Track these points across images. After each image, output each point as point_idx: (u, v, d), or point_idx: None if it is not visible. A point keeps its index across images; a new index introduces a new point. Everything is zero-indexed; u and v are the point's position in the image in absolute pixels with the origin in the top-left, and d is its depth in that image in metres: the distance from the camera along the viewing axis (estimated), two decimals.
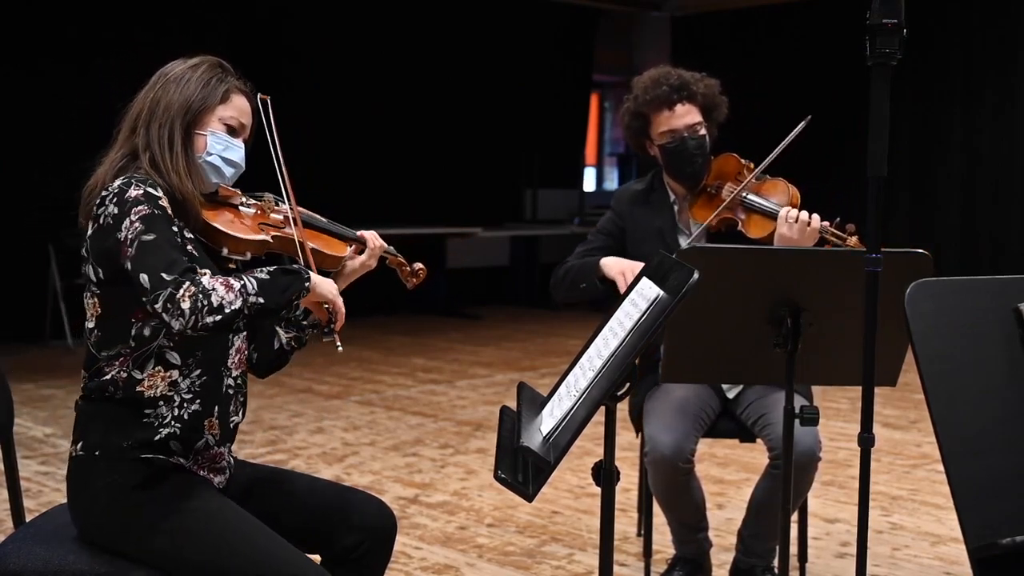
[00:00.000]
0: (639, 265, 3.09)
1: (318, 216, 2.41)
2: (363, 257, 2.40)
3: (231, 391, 2.20)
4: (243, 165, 2.24)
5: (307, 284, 2.08)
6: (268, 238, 2.21)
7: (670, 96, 3.16)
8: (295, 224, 2.25)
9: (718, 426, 3.24)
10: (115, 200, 2.03)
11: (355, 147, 9.31)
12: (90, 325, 2.12)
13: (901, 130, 9.42)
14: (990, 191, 9.44)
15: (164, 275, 1.95)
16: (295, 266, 2.10)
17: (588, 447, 4.82)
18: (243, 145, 2.24)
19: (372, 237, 2.43)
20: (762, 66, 10.16)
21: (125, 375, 2.08)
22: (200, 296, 1.93)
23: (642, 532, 3.62)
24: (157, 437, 2.08)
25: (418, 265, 2.53)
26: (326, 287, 2.15)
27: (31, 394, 6.12)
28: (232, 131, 2.21)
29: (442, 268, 9.96)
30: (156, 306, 1.94)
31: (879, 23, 2.04)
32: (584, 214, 11.40)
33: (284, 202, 2.30)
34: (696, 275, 1.80)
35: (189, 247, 2.09)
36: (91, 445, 2.08)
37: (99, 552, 2.06)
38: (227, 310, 1.95)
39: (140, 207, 2.02)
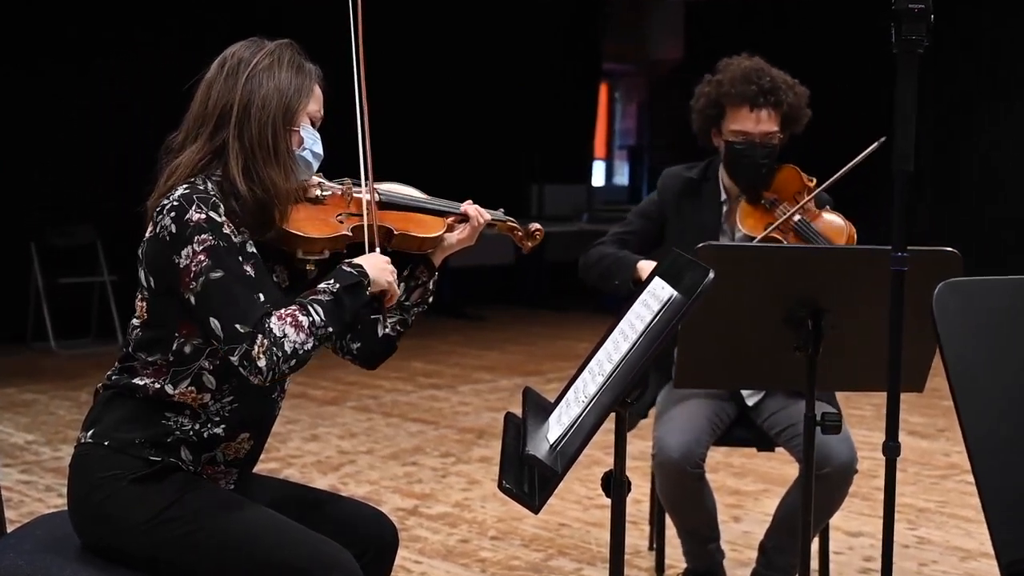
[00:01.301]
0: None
1: (410, 191, 2.38)
2: (459, 234, 2.38)
3: (277, 411, 2.25)
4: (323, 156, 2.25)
5: (368, 289, 2.11)
6: (347, 231, 2.20)
7: (757, 97, 3.12)
8: (371, 209, 2.23)
9: (734, 434, 3.24)
10: (174, 215, 2.02)
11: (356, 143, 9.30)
12: (135, 322, 2.14)
13: (925, 121, 9.40)
14: (1018, 186, 9.42)
15: (239, 327, 1.97)
16: (349, 268, 2.10)
17: (597, 456, 4.81)
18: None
19: (475, 212, 2.39)
20: (782, 54, 10.14)
21: (157, 386, 2.09)
22: (274, 349, 1.97)
23: (654, 546, 3.61)
24: (170, 438, 2.09)
25: (534, 226, 2.49)
26: (383, 278, 2.15)
27: (12, 399, 6.12)
28: (313, 124, 2.21)
29: (444, 267, 9.96)
30: (232, 359, 1.98)
31: (905, 8, 2.04)
32: (593, 210, 11.40)
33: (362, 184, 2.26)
34: (711, 275, 1.80)
35: (248, 269, 2.05)
36: (101, 433, 2.10)
37: (87, 562, 2.06)
38: (300, 352, 2.00)
39: (204, 236, 2.00)
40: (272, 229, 2.12)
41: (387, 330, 2.35)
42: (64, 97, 7.72)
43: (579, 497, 4.46)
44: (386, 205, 2.30)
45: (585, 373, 1.97)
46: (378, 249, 2.21)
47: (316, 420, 5.82)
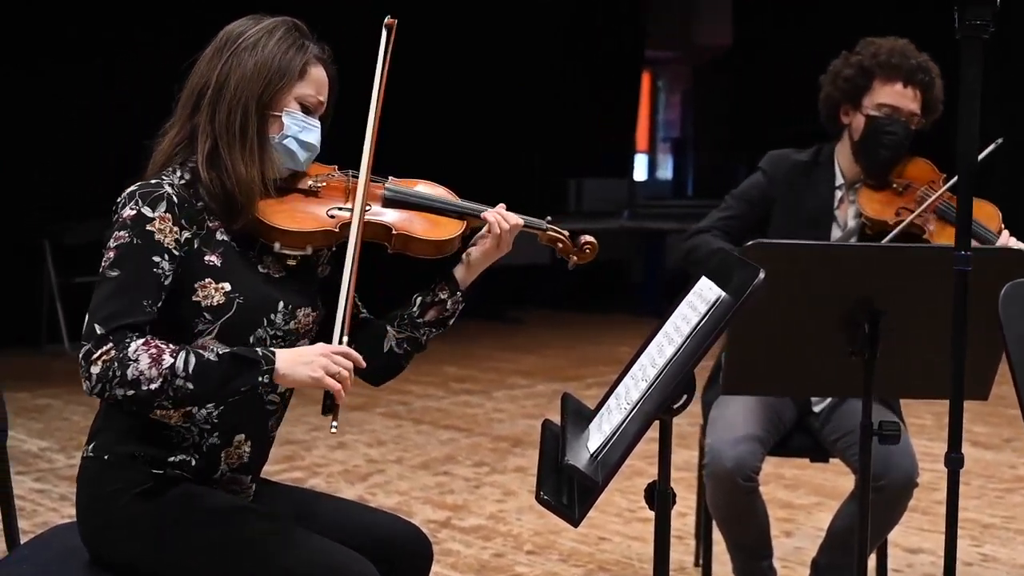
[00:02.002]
0: None
1: (432, 191, 2.29)
2: (488, 244, 2.26)
3: (272, 408, 2.22)
4: (319, 148, 2.20)
5: (264, 378, 1.98)
6: (334, 227, 2.15)
7: (913, 73, 3.13)
8: (359, 204, 2.14)
9: (791, 442, 3.22)
10: (115, 209, 2.05)
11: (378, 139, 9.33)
12: None
13: (989, 109, 9.31)
14: None
15: (96, 327, 1.95)
16: (260, 351, 1.99)
17: (640, 466, 4.80)
18: (320, 124, 2.19)
19: (497, 218, 2.25)
20: (837, 40, 10.09)
21: None
22: (115, 364, 1.92)
23: (700, 562, 3.60)
24: (171, 459, 2.10)
25: (586, 238, 2.35)
26: (301, 373, 1.99)
27: (25, 404, 6.18)
28: (307, 109, 2.16)
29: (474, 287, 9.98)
30: (79, 354, 1.96)
31: None
32: (635, 207, 11.38)
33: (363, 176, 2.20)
34: (762, 274, 1.79)
35: (212, 259, 2.05)
36: (101, 447, 2.12)
37: (102, 574, 2.08)
38: (143, 388, 1.93)
39: (122, 233, 2.02)
40: (243, 219, 2.10)
41: (393, 346, 2.28)
42: (64, 97, 7.83)
43: (620, 509, 4.45)
44: (393, 202, 2.24)
45: (627, 378, 1.97)
46: (339, 325, 2.06)
47: (343, 427, 5.84)
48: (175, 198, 2.07)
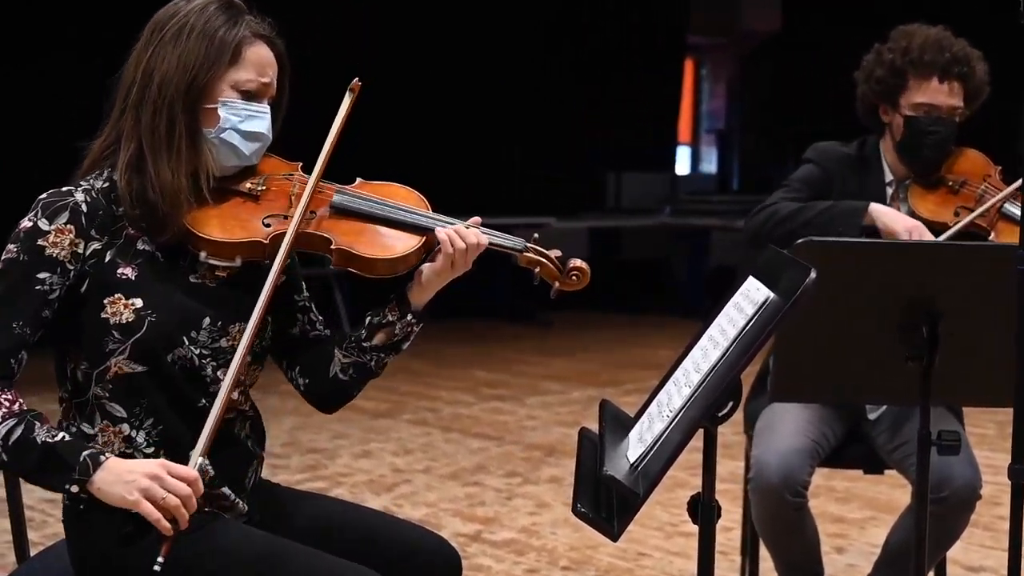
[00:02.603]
0: (923, 228, 3.01)
1: (377, 196, 2.17)
2: (439, 263, 2.13)
3: (230, 416, 2.14)
4: (269, 136, 2.11)
5: (74, 484, 1.92)
6: (264, 240, 2.06)
7: (949, 67, 3.11)
8: (304, 212, 2.06)
9: (844, 453, 3.20)
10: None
11: (400, 132, 9.36)
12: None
13: None
14: None
15: None
16: (84, 456, 1.92)
17: (682, 478, 4.79)
18: (268, 110, 2.10)
19: (450, 235, 2.12)
20: (891, 25, 10.03)
21: (75, 429, 2.08)
22: None
23: None
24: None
25: (576, 263, 2.20)
26: (116, 493, 1.91)
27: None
28: (249, 95, 2.08)
29: (508, 266, 9.97)
30: None
31: None
32: (677, 202, 11.35)
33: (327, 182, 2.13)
34: (813, 274, 1.78)
35: (125, 272, 2.02)
36: (74, 495, 2.07)
37: None
38: None
39: (12, 246, 2.01)
40: (168, 230, 2.04)
41: (338, 372, 2.20)
42: (65, 97, 7.91)
43: (661, 523, 4.44)
44: (341, 211, 2.13)
45: (670, 384, 1.96)
46: (204, 434, 1.97)
47: (368, 435, 5.86)
48: (84, 207, 2.03)
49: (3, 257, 2.02)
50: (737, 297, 1.96)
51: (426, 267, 2.15)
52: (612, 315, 10.27)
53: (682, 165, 12.88)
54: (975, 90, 3.16)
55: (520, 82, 10.17)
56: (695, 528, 1.93)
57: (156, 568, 1.90)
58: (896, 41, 3.17)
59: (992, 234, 3.06)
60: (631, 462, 1.85)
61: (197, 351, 2.07)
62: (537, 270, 2.21)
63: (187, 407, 2.09)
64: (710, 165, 13.36)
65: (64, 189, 2.06)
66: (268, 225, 2.09)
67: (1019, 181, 3.03)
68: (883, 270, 2.43)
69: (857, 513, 4.65)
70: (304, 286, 2.29)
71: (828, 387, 2.67)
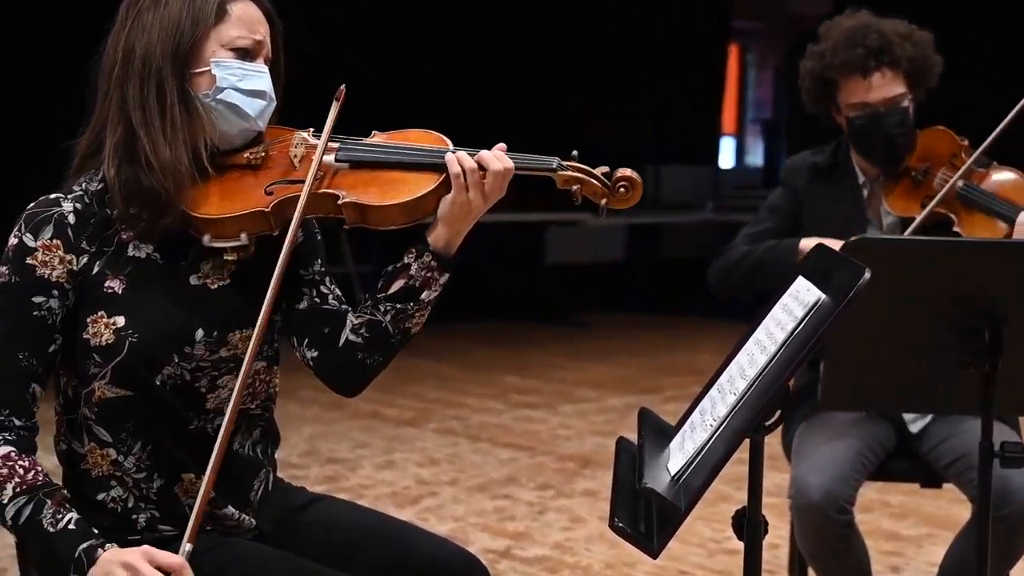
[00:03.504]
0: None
1: (398, 139, 2.10)
2: (451, 193, 2.02)
3: (235, 438, 2.12)
4: (272, 96, 2.06)
5: (71, 572, 1.88)
6: (265, 208, 1.99)
7: (865, 61, 3.13)
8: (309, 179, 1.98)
9: (892, 466, 3.20)
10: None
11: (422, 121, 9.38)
12: None
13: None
14: None
15: None
16: (80, 550, 1.89)
17: (726, 491, 4.77)
18: (266, 70, 2.05)
19: (457, 157, 2.02)
20: (948, 3, 9.98)
21: (65, 447, 2.08)
22: None
23: None
24: (138, 526, 2.07)
25: (623, 171, 2.12)
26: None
27: (41, 416, 6.25)
28: (245, 54, 2.03)
29: (540, 265, 9.99)
30: None
31: None
32: (720, 197, 11.35)
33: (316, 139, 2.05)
34: (867, 274, 1.78)
35: (111, 286, 1.99)
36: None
37: None
38: None
39: (3, 269, 1.97)
40: (171, 213, 1.98)
41: (348, 335, 2.10)
42: (64, 97, 7.99)
43: (704, 540, 4.44)
44: (347, 164, 2.06)
45: (713, 391, 1.96)
46: (192, 521, 1.90)
47: (391, 444, 5.88)
48: (71, 217, 1.99)
49: None
50: (785, 298, 1.95)
51: (444, 199, 2.03)
52: (651, 317, 10.26)
53: (726, 158, 12.86)
54: (916, 69, 3.16)
55: (555, 69, 10.17)
56: (740, 545, 1.93)
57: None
58: (816, 44, 3.22)
59: (954, 223, 3.05)
60: (672, 474, 1.85)
61: (191, 366, 2.03)
62: (576, 188, 2.10)
63: (180, 428, 2.06)
64: (756, 158, 13.33)
65: (52, 197, 2.01)
66: (271, 193, 2.02)
67: (969, 160, 3.04)
68: (942, 270, 2.42)
69: (913, 530, 4.63)
70: (320, 260, 2.19)
71: (882, 395, 2.66)
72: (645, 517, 1.88)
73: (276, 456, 2.28)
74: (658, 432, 2.05)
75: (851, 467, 3.03)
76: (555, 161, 2.11)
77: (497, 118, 9.89)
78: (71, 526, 1.92)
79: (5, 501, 1.92)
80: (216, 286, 2.07)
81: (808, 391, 3.16)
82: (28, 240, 1.97)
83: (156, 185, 1.96)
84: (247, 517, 2.15)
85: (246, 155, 2.06)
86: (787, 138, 12.79)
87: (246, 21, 2.04)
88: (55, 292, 1.98)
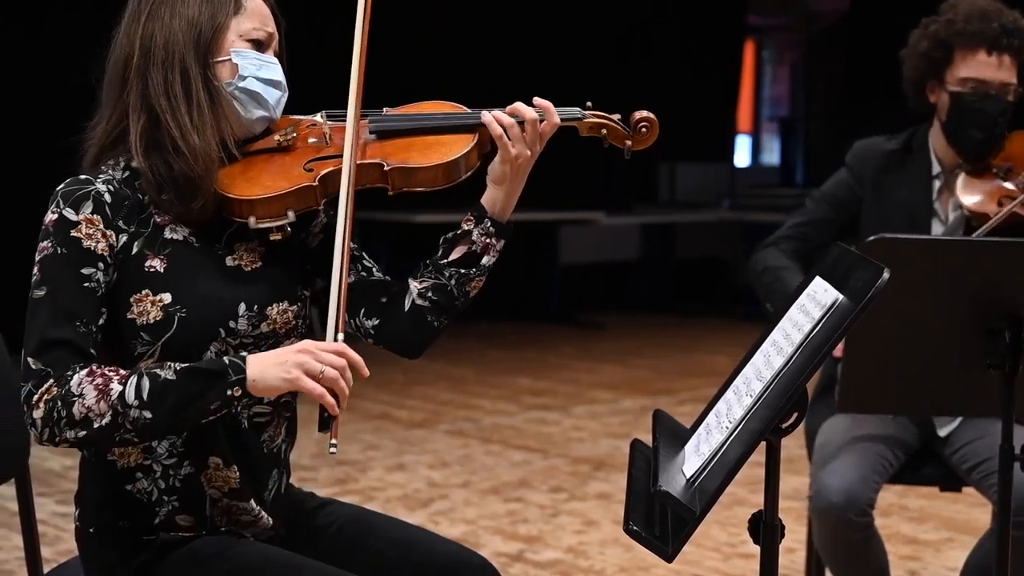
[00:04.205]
0: None
1: (415, 111, 2.19)
2: (501, 151, 2.11)
3: (263, 420, 2.15)
4: (286, 87, 2.14)
5: (235, 386, 1.93)
6: (312, 182, 2.06)
7: (998, 38, 3.10)
8: (349, 146, 2.05)
9: (913, 469, 3.18)
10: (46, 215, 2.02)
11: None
12: None
13: None
14: None
15: (31, 361, 1.94)
16: (226, 360, 1.95)
17: (742, 494, 4.78)
18: (278, 62, 2.13)
19: (494, 115, 2.12)
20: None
21: None
22: (59, 404, 1.90)
23: None
24: (157, 520, 2.09)
25: (641, 113, 2.22)
26: (272, 377, 1.92)
27: None
28: (259, 45, 2.11)
29: (554, 264, 9.99)
30: (21, 399, 1.94)
31: None
32: (736, 195, 11.32)
33: (340, 118, 2.13)
34: (886, 274, 1.78)
35: (153, 264, 2.02)
36: (85, 517, 2.12)
37: None
38: (93, 424, 1.90)
39: (45, 243, 2.00)
40: (201, 197, 2.03)
41: (415, 298, 2.16)
42: (69, 66, 7.98)
43: (719, 544, 4.44)
44: (381, 134, 2.14)
45: (729, 393, 1.96)
46: (332, 316, 1.99)
47: (402, 446, 5.88)
48: (107, 196, 2.02)
49: (39, 258, 1.99)
50: (803, 299, 1.95)
51: (493, 162, 2.14)
52: (666, 318, 10.25)
53: (742, 156, 12.83)
54: None
55: (565, 63, 10.16)
56: (756, 549, 1.93)
57: (333, 451, 1.92)
58: (943, 12, 3.17)
59: None
60: (687, 477, 1.85)
61: (236, 342, 2.07)
62: (604, 132, 2.22)
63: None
64: (772, 156, 13.30)
65: (82, 178, 2.04)
66: (310, 170, 2.09)
67: None
68: (963, 270, 2.42)
69: (933, 534, 4.62)
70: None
71: (901, 397, 2.66)
72: (660, 521, 1.88)
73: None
74: (673, 434, 2.05)
75: (872, 469, 3.02)
76: (579, 110, 2.21)
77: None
78: (185, 364, 1.95)
79: (118, 387, 1.91)
80: (250, 268, 2.13)
81: (829, 390, 3.16)
82: (69, 214, 2.00)
83: (187, 170, 2.03)
84: (265, 515, 2.17)
85: (276, 138, 2.13)
86: (804, 136, 12.77)
87: (260, 15, 2.12)
88: (100, 265, 2.01)
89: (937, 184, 3.23)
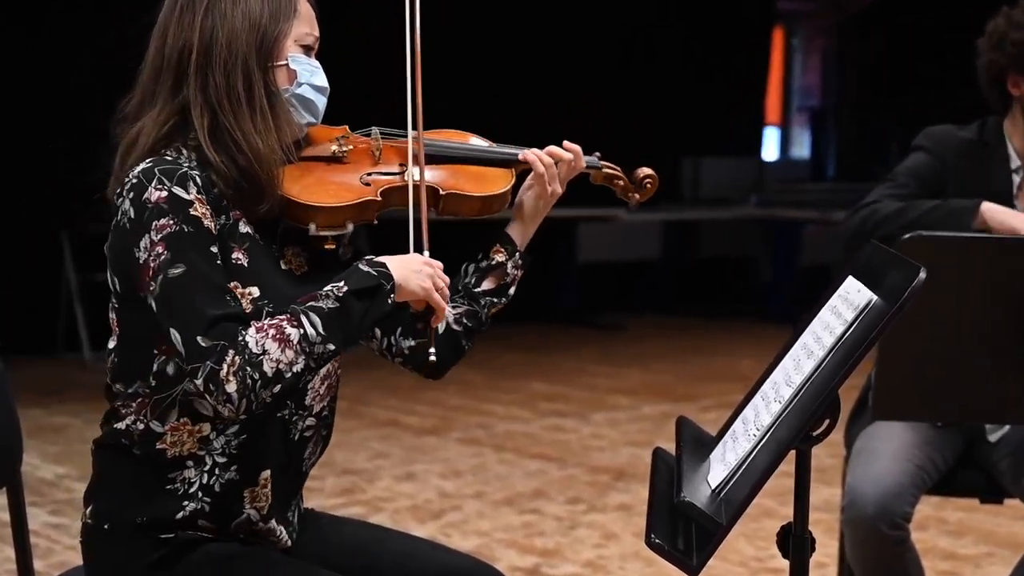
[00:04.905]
0: None
1: (458, 139, 2.34)
2: (537, 189, 2.30)
3: (309, 433, 2.20)
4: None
5: (391, 295, 2.04)
6: (375, 196, 2.17)
7: None
8: (419, 164, 2.17)
9: (953, 479, 3.18)
10: (132, 196, 2.02)
11: (452, 112, 9.39)
12: (111, 345, 2.15)
13: None
14: None
15: (200, 340, 1.94)
16: (367, 268, 2.04)
17: (770, 506, 4.78)
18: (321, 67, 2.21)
19: (537, 157, 2.29)
20: None
21: (142, 426, 2.10)
22: (248, 370, 1.93)
23: None
24: (180, 514, 2.10)
25: (644, 171, 2.42)
26: (416, 282, 2.07)
27: (39, 422, 6.33)
28: (308, 50, 2.18)
29: (571, 263, 9.99)
30: (197, 382, 1.94)
31: None
32: (764, 191, 11.30)
33: (398, 135, 2.24)
34: (923, 274, 1.77)
35: (238, 257, 2.06)
36: (99, 513, 2.13)
37: None
38: (287, 375, 1.96)
39: (163, 220, 2.00)
40: (267, 201, 2.09)
41: (451, 322, 2.29)
42: (75, 62, 7.97)
43: (746, 558, 4.44)
44: (430, 158, 2.25)
45: (757, 399, 1.96)
46: (425, 240, 2.14)
47: (412, 454, 5.89)
48: (199, 180, 2.05)
49: (160, 237, 1.99)
50: (834, 300, 1.95)
51: (526, 199, 2.31)
52: (689, 320, 10.25)
53: (770, 149, 12.83)
54: None
55: (584, 54, 10.16)
56: (785, 564, 1.93)
57: (433, 358, 2.14)
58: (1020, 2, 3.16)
59: None
60: (712, 488, 1.85)
61: None
62: (619, 183, 2.42)
63: (272, 415, 2.12)
64: (802, 149, 13.30)
65: (169, 158, 2.06)
66: (368, 184, 2.19)
67: None
68: (1005, 269, 2.41)
69: (972, 548, 4.61)
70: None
71: (941, 404, 2.65)
72: (684, 533, 1.88)
73: None
74: (697, 442, 2.05)
75: (909, 480, 3.02)
76: (596, 159, 2.40)
77: (532, 106, 9.92)
78: (341, 284, 2.02)
79: (295, 331, 1.97)
80: (299, 273, 2.18)
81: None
82: (180, 192, 2.02)
83: (252, 173, 2.07)
84: (286, 535, 2.20)
85: (332, 148, 2.22)
86: (836, 128, 12.76)
87: (310, 19, 2.19)
88: (217, 245, 2.04)
89: (1016, 180, 3.23)
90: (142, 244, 2.00)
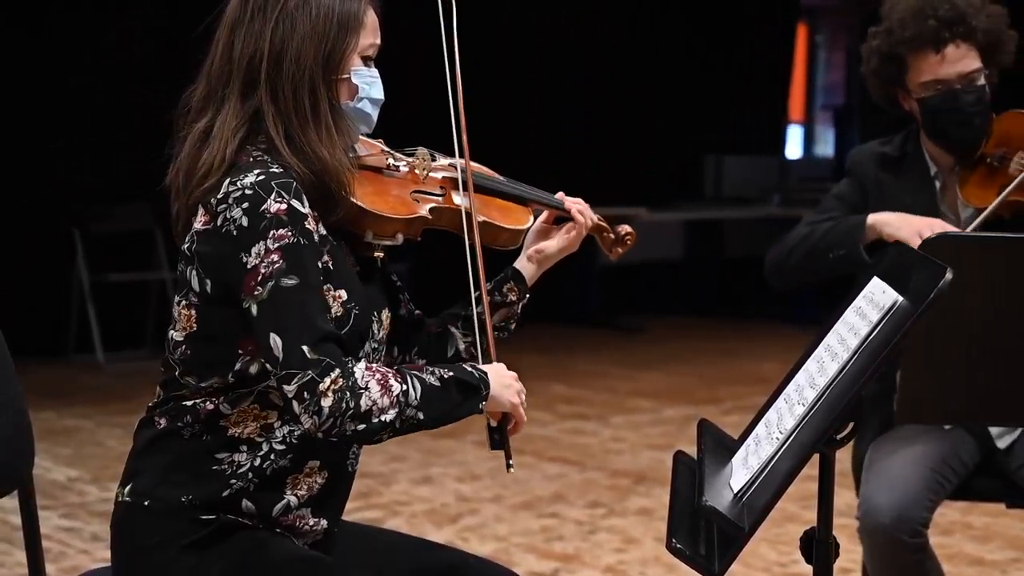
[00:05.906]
0: (941, 223, 3.03)
1: (489, 171, 2.42)
2: (562, 239, 2.42)
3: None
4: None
5: (484, 400, 2.15)
6: (425, 213, 2.24)
7: (938, 33, 3.10)
8: (467, 189, 2.27)
9: (975, 485, 3.17)
10: (247, 206, 2.04)
11: (476, 113, 9.40)
12: (178, 338, 2.16)
13: None
14: None
15: (307, 350, 1.99)
16: (476, 372, 2.14)
17: (793, 510, 4.77)
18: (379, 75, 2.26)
19: (581, 211, 2.43)
20: None
21: (211, 407, 2.13)
22: (348, 395, 1.99)
23: None
24: (225, 492, 2.12)
25: (624, 229, 2.52)
26: (506, 397, 2.18)
27: (51, 425, 6.34)
28: (368, 60, 2.21)
29: (591, 264, 9.98)
30: (288, 388, 1.99)
31: None
32: (787, 190, 11.28)
33: (443, 157, 2.32)
34: (949, 274, 1.77)
35: (326, 260, 2.11)
36: (140, 491, 2.15)
37: None
38: (374, 420, 2.02)
39: (283, 231, 2.04)
40: (339, 208, 2.14)
41: (460, 349, 2.41)
42: (80, 62, 7.97)
43: (769, 563, 4.43)
44: (476, 186, 2.33)
45: (780, 401, 1.96)
46: (481, 275, 2.24)
47: (428, 458, 5.90)
48: (304, 192, 2.10)
49: (276, 246, 2.03)
50: (859, 301, 1.95)
51: (552, 243, 2.43)
52: (711, 321, 10.24)
53: (793, 147, 12.80)
54: (990, 43, 3.13)
55: (607, 53, 10.16)
56: (808, 569, 1.94)
57: (512, 470, 2.24)
58: (882, 22, 3.21)
59: None
60: (735, 492, 1.85)
61: (374, 345, 2.21)
62: (606, 236, 2.52)
63: (334, 447, 2.18)
64: (826, 147, 13.26)
65: (278, 170, 2.09)
66: (418, 201, 2.26)
67: None
68: None
69: (998, 554, 4.60)
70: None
71: (965, 407, 2.65)
72: (705, 538, 1.88)
73: None
74: (719, 446, 2.05)
75: (926, 486, 3.01)
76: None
77: (556, 106, 9.92)
78: (446, 371, 2.13)
79: (398, 385, 2.05)
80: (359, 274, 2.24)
81: (879, 403, 3.15)
82: (297, 205, 2.07)
83: (323, 181, 2.12)
84: (322, 526, 2.23)
85: (388, 161, 2.29)
86: (860, 126, 12.73)
87: (374, 28, 2.22)
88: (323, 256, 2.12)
89: (938, 184, 3.23)
90: (254, 251, 2.03)
